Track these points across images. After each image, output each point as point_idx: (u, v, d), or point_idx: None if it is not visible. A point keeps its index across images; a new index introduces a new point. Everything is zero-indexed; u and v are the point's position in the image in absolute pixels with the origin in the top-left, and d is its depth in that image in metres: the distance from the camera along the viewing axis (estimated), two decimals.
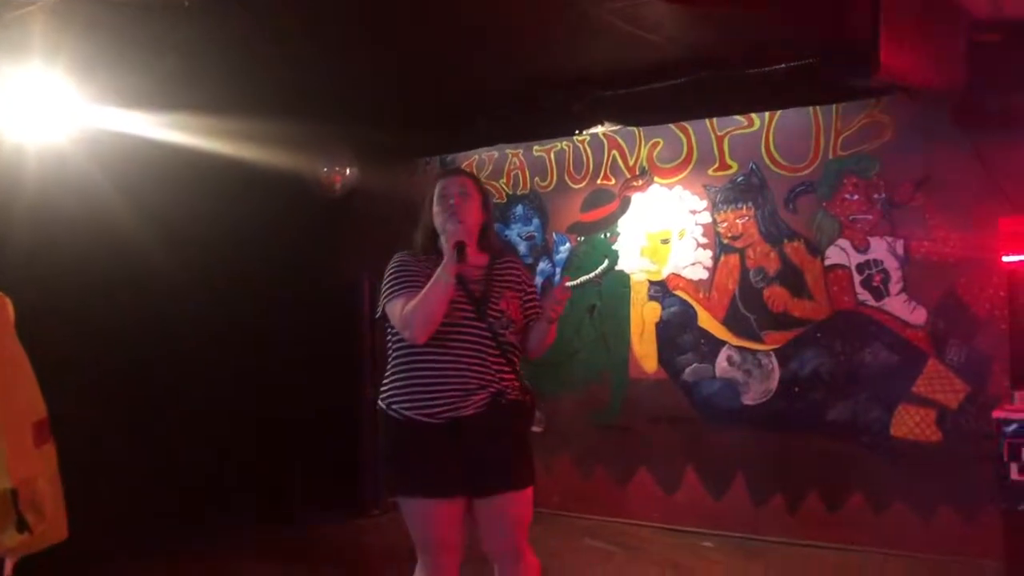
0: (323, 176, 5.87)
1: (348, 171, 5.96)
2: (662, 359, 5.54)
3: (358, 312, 6.03)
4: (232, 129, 4.86)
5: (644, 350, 5.59)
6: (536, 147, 6.01)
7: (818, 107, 5.02)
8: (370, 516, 5.92)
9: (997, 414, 3.39)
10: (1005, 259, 3.55)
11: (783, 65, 4.19)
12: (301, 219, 5.91)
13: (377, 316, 2.95)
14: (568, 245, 5.92)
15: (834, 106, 4.99)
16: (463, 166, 6.34)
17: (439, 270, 2.74)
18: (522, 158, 6.10)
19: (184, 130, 4.73)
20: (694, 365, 5.43)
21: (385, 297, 2.87)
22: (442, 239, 2.89)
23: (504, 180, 6.19)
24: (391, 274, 2.90)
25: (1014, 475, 3.30)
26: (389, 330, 2.92)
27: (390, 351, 2.92)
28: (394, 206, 6.46)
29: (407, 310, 2.76)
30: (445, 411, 2.76)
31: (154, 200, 5.00)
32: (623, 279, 5.63)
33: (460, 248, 2.75)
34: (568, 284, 2.93)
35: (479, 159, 6.29)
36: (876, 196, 4.90)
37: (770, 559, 4.83)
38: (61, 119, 4.41)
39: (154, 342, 5.26)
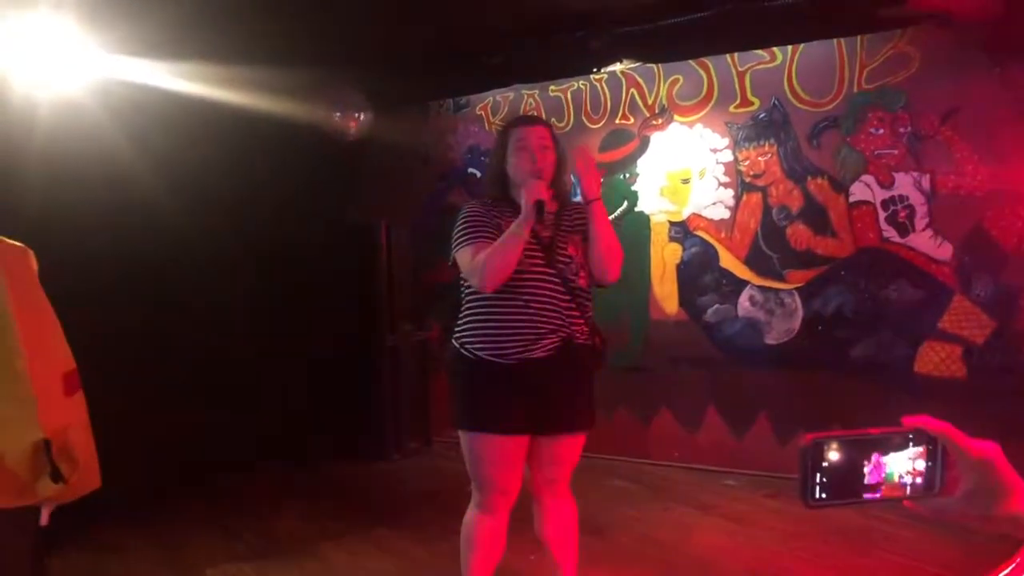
0: (336, 121, 5.80)
1: (361, 115, 5.88)
2: (683, 300, 5.51)
3: (376, 256, 6.00)
4: (244, 77, 4.78)
5: (665, 291, 5.56)
6: (552, 87, 5.91)
7: (842, 40, 4.90)
8: (390, 460, 5.96)
9: None
10: None
11: None
12: (315, 166, 5.84)
13: (449, 264, 2.97)
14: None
15: (858, 38, 4.86)
16: (477, 109, 6.26)
17: (514, 225, 2.76)
18: (538, 99, 6.00)
19: (196, 79, 4.65)
20: (716, 306, 5.40)
21: (456, 245, 2.90)
22: (515, 190, 2.89)
23: None
24: (462, 223, 2.92)
25: None
26: (461, 277, 2.95)
27: (463, 296, 2.96)
28: (407, 150, 6.43)
29: (477, 260, 2.79)
30: (516, 352, 2.81)
31: (167, 150, 4.94)
32: (643, 220, 5.57)
33: (540, 207, 2.75)
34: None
35: (493, 100, 6.19)
36: (902, 130, 4.80)
37: (793, 496, 4.83)
38: (70, 68, 4.34)
39: (171, 292, 5.26)
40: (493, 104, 6.19)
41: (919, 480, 0.89)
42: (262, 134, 5.28)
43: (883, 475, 0.89)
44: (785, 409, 5.21)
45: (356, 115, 5.79)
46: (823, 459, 0.89)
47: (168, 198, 4.93)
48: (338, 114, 5.74)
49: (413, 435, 6.15)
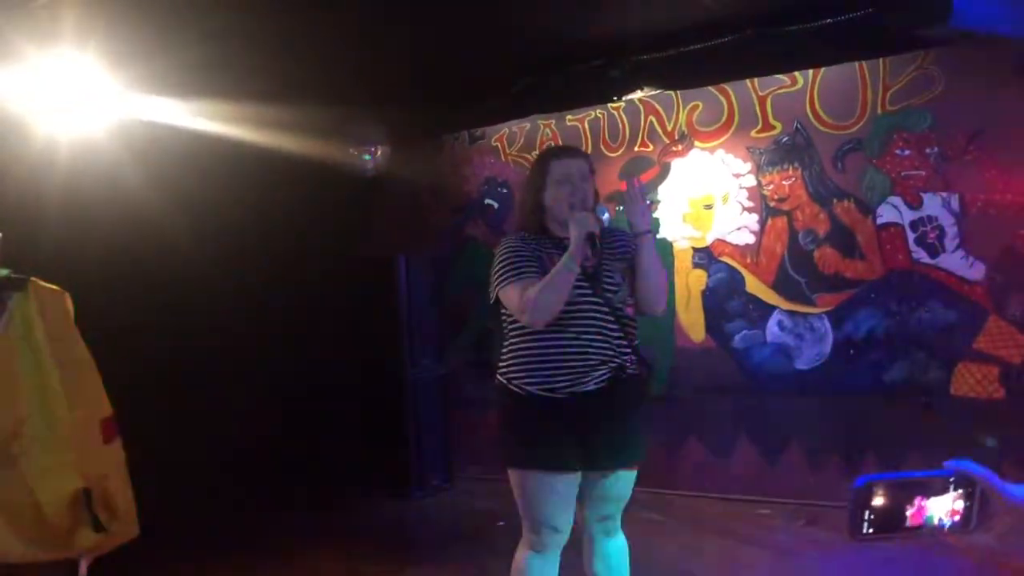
0: (354, 157, 5.77)
1: (378, 152, 5.86)
2: (710, 327, 5.44)
3: (395, 290, 5.93)
4: (262, 116, 4.80)
5: (691, 319, 5.49)
6: (569, 117, 5.88)
7: (864, 62, 4.88)
8: (413, 498, 5.85)
9: None
10: None
11: (836, 19, 4.04)
12: (333, 202, 5.81)
13: (491, 301, 2.89)
14: (607, 216, 5.77)
15: (881, 60, 4.85)
16: (493, 140, 6.23)
17: (566, 258, 2.68)
18: (555, 128, 5.97)
19: (215, 117, 4.65)
20: (744, 332, 5.33)
21: (498, 282, 2.82)
22: (554, 223, 2.85)
23: (536, 152, 6.05)
24: (504, 259, 2.83)
25: None
26: (503, 312, 2.88)
27: (506, 330, 2.89)
28: (424, 183, 6.40)
29: (527, 297, 2.71)
30: (567, 387, 2.74)
31: (185, 188, 4.92)
32: (666, 247, 5.51)
33: (592, 240, 2.70)
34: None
35: (509, 131, 6.17)
36: (928, 151, 4.77)
37: (828, 522, 4.75)
38: (92, 107, 4.31)
39: (189, 331, 5.20)
40: (509, 135, 6.16)
41: (957, 519, 0.98)
42: (280, 171, 5.26)
43: (924, 517, 0.98)
44: (817, 435, 5.14)
45: (373, 150, 5.76)
46: (872, 499, 0.97)
47: (187, 235, 4.91)
48: (355, 151, 5.71)
49: (435, 472, 6.05)
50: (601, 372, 2.75)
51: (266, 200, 5.29)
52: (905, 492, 0.99)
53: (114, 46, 3.99)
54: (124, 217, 4.73)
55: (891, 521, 0.98)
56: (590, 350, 2.75)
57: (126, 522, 3.02)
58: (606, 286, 2.80)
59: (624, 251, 2.89)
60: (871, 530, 0.99)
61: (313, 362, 5.73)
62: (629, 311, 2.87)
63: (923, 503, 0.98)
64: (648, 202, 2.88)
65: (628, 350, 2.82)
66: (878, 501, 0.98)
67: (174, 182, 4.87)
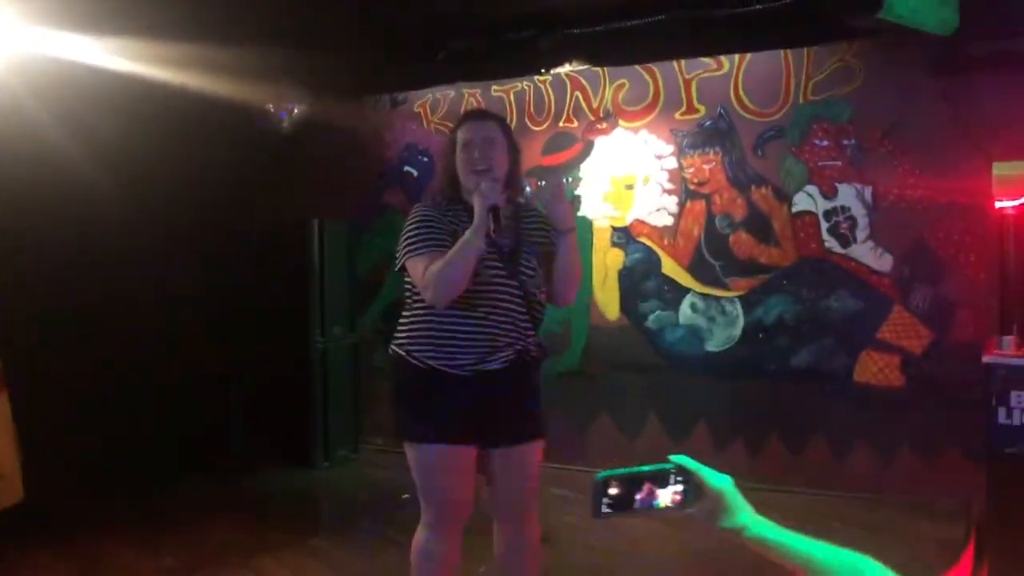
0: (270, 115, 5.55)
1: (295, 109, 5.65)
2: (625, 306, 5.46)
3: (307, 255, 5.76)
4: (177, 56, 4.53)
5: (606, 297, 5.50)
6: (495, 87, 5.78)
7: (789, 51, 4.95)
8: (319, 468, 5.73)
9: (987, 359, 3.42)
10: (998, 205, 3.55)
11: (767, 4, 4.07)
12: (246, 160, 5.58)
13: (396, 269, 2.75)
14: (528, 190, 5.71)
15: (805, 50, 4.92)
16: (416, 106, 6.10)
17: (468, 233, 2.54)
18: (479, 98, 5.86)
19: (126, 56, 4.38)
20: (657, 312, 5.37)
21: (405, 252, 2.68)
22: (468, 193, 2.68)
23: None
24: (412, 228, 2.69)
25: (1002, 419, 3.34)
26: (407, 281, 2.75)
27: (410, 300, 2.76)
28: (343, 145, 6.22)
29: (431, 273, 2.57)
30: (471, 365, 2.64)
31: (93, 130, 4.64)
32: (585, 225, 5.49)
33: (495, 212, 2.55)
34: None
35: (433, 98, 6.03)
36: (846, 142, 4.87)
37: None
38: None
39: (95, 284, 4.90)
40: (432, 102, 6.03)
41: (679, 498, 1.26)
42: (195, 120, 5.01)
43: (652, 503, 1.24)
44: (725, 416, 5.23)
45: (290, 107, 5.56)
46: (608, 488, 1.22)
47: (96, 180, 4.62)
48: (272, 107, 5.49)
49: (342, 442, 5.93)
50: (506, 353, 2.67)
51: (178, 154, 5.03)
52: (634, 482, 1.23)
53: None
54: (26, 159, 4.44)
55: (624, 504, 1.23)
56: (497, 331, 2.65)
57: (10, 485, 2.83)
58: (523, 269, 2.70)
59: (545, 233, 2.78)
60: (608, 511, 1.22)
61: (220, 328, 5.52)
62: (542, 296, 2.78)
63: (650, 490, 1.23)
64: (571, 200, 2.77)
65: (532, 333, 2.74)
66: (613, 490, 1.21)
67: (80, 123, 4.59)
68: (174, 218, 5.15)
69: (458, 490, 2.70)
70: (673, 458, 1.27)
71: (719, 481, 1.27)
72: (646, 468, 1.26)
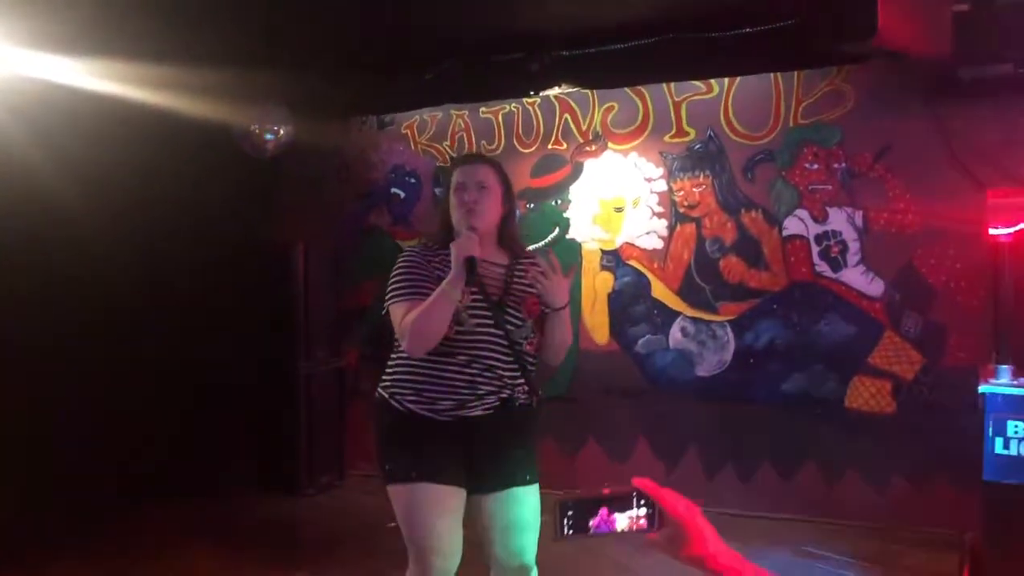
0: (255, 136, 5.46)
1: (281, 131, 5.56)
2: (614, 330, 5.41)
3: (292, 277, 5.68)
4: (158, 78, 4.46)
5: (595, 321, 5.45)
6: (483, 109, 5.74)
7: (779, 74, 4.93)
8: (303, 495, 5.62)
9: (983, 388, 3.38)
10: (992, 232, 3.52)
11: (757, 29, 4.05)
12: (231, 181, 5.49)
13: (383, 313, 2.69)
14: (517, 213, 5.69)
15: (795, 74, 4.90)
16: (403, 127, 6.04)
17: (444, 283, 2.50)
18: (467, 120, 5.82)
19: (108, 78, 4.30)
20: (647, 336, 5.32)
21: (388, 298, 2.65)
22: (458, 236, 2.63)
23: (448, 143, 5.90)
24: (397, 273, 2.66)
25: (999, 450, 3.29)
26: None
27: (396, 343, 2.69)
28: (328, 167, 6.16)
29: (406, 322, 2.53)
30: (451, 410, 2.58)
31: (72, 152, 4.53)
32: (574, 248, 5.45)
33: (471, 265, 2.49)
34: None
35: (421, 119, 5.98)
36: (836, 166, 4.85)
37: (723, 529, 4.72)
38: None
39: (70, 309, 4.80)
40: (420, 123, 5.98)
41: (643, 523, 1.23)
42: (178, 145, 4.92)
43: (612, 527, 1.23)
44: (715, 442, 5.17)
45: (276, 129, 5.47)
46: (569, 510, 1.22)
47: (73, 204, 4.52)
48: (257, 128, 5.41)
49: (326, 468, 5.82)
50: (490, 401, 2.60)
51: (160, 172, 4.94)
52: (596, 505, 1.23)
53: None
54: (3, 180, 4.35)
55: (584, 526, 1.22)
56: (479, 379, 2.58)
57: None
58: (509, 319, 2.62)
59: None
60: (570, 531, 1.22)
61: (202, 351, 5.40)
62: (528, 348, 2.68)
63: (611, 515, 1.22)
64: (565, 276, 2.69)
65: (520, 382, 2.65)
66: (574, 512, 1.22)
67: (60, 145, 4.48)
68: (154, 242, 5.05)
69: (444, 535, 2.59)
70: (637, 482, 1.25)
71: (683, 507, 1.24)
72: (609, 492, 1.25)
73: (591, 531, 1.23)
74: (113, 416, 5.00)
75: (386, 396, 2.68)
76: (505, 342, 2.59)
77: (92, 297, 4.83)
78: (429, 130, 5.96)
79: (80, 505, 4.72)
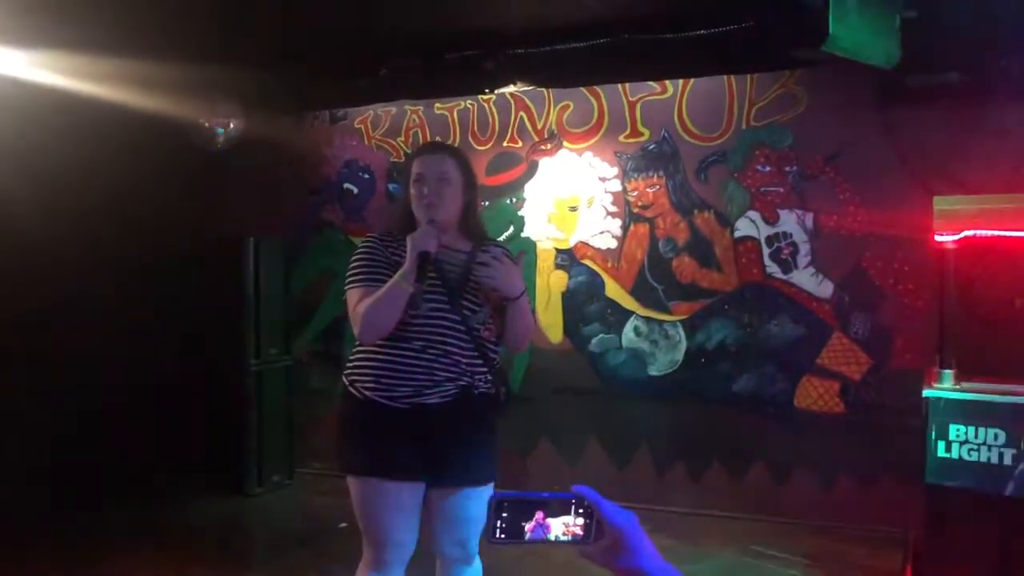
0: (204, 129, 5.36)
1: (231, 124, 5.47)
2: (568, 329, 5.41)
3: (242, 274, 5.57)
4: (106, 70, 4.36)
5: (549, 320, 5.44)
6: (438, 105, 5.70)
7: (733, 76, 4.96)
8: (252, 495, 5.54)
9: (927, 392, 3.43)
10: (938, 239, 3.57)
11: (711, 31, 4.06)
12: (179, 175, 5.40)
13: (344, 299, 2.66)
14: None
15: (748, 76, 4.94)
16: (356, 122, 5.97)
17: (397, 276, 2.49)
18: (422, 116, 5.77)
19: (55, 70, 4.19)
20: (600, 335, 5.33)
21: (346, 284, 2.64)
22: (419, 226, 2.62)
23: (402, 138, 5.85)
24: (355, 260, 2.65)
25: (941, 453, 3.35)
26: None
27: None
28: (280, 162, 6.06)
29: (358, 309, 2.53)
30: (408, 397, 2.55)
31: (15, 144, 4.42)
32: (529, 247, 5.44)
33: (425, 259, 2.48)
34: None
35: (374, 114, 5.92)
36: (787, 168, 4.90)
37: (673, 528, 4.80)
38: None
39: (9, 302, 4.66)
40: (374, 118, 5.91)
41: (579, 531, 1.17)
42: (126, 135, 4.81)
43: (545, 533, 1.17)
44: (666, 441, 5.20)
45: (226, 122, 5.38)
46: (503, 512, 1.16)
47: (16, 197, 4.40)
48: (207, 122, 5.30)
49: (276, 467, 5.74)
50: (447, 388, 2.57)
51: (108, 170, 4.82)
52: (530, 509, 1.16)
53: None
54: None
55: (517, 531, 1.16)
56: (435, 365, 2.55)
57: None
58: (465, 303, 2.61)
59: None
60: (502, 536, 1.16)
61: (150, 349, 5.29)
62: (486, 334, 2.66)
63: (545, 519, 1.16)
64: (520, 267, 2.65)
65: (483, 369, 2.64)
66: (507, 514, 1.16)
67: (4, 138, 4.37)
68: (102, 235, 4.94)
69: (399, 529, 2.59)
70: (577, 488, 1.19)
71: (622, 518, 1.17)
72: (547, 495, 1.19)
73: (526, 536, 1.17)
74: (55, 416, 4.87)
75: (347, 384, 2.66)
76: (463, 327, 2.59)
77: (32, 294, 4.70)
78: (383, 125, 5.90)
79: (16, 510, 4.59)
